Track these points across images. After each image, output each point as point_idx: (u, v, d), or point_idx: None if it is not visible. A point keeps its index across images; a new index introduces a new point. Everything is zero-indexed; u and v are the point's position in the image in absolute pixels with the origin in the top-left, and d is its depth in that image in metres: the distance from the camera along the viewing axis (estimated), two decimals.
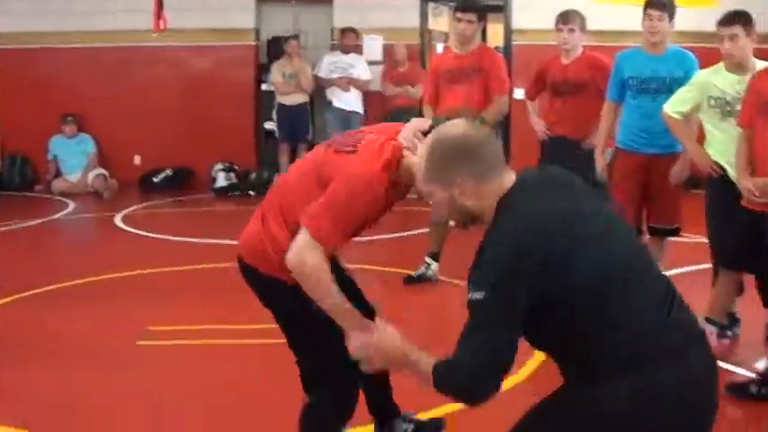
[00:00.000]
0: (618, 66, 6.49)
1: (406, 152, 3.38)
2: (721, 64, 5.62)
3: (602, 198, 3.07)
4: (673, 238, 6.62)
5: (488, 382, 2.71)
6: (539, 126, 7.53)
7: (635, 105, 6.38)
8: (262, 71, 13.27)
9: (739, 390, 4.95)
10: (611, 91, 6.56)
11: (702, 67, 6.00)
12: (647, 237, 6.59)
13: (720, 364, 5.41)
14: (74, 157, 12.72)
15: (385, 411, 4.15)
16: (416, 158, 3.09)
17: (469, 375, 2.70)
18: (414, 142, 3.36)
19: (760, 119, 5.03)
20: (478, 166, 2.87)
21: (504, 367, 2.72)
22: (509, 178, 2.90)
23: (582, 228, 2.78)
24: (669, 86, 6.13)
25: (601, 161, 6.63)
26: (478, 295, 2.68)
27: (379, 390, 4.07)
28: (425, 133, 3.23)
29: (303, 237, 3.32)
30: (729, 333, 5.89)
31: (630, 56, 6.46)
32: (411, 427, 4.14)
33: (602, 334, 2.71)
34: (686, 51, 6.38)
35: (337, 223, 3.33)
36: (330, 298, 3.36)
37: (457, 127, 2.98)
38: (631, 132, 6.40)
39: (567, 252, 2.70)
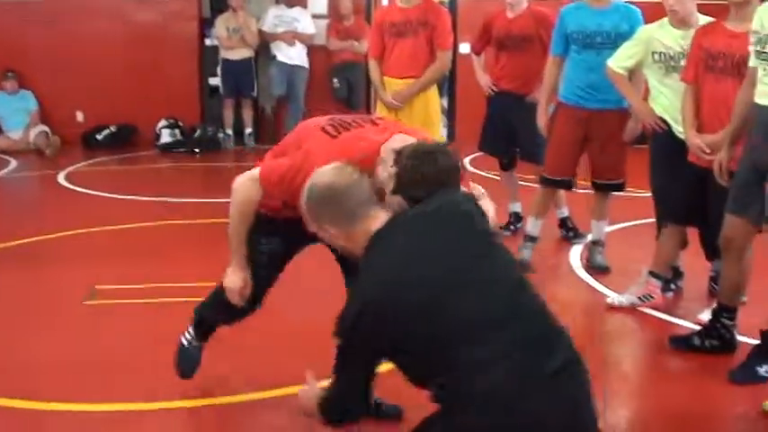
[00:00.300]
0: (562, 20, 6.47)
1: (379, 163, 3.46)
2: (665, 19, 5.64)
3: (485, 234, 3.14)
4: (618, 193, 6.67)
5: (346, 418, 3.25)
6: (484, 81, 7.55)
7: (579, 60, 6.38)
8: (205, 25, 13.12)
9: (683, 342, 5.04)
10: (555, 45, 6.54)
11: (646, 22, 6.03)
12: (592, 192, 6.65)
13: (664, 316, 5.56)
14: (15, 114, 12.48)
15: None
16: (381, 173, 3.29)
17: (334, 417, 3.24)
18: (387, 158, 3.42)
19: (706, 75, 5.07)
20: (341, 214, 3.11)
21: (357, 406, 3.17)
22: (378, 221, 3.08)
23: (443, 275, 2.91)
24: (614, 41, 6.14)
25: (544, 118, 6.63)
26: (337, 340, 3.00)
27: None
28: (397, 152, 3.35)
29: (254, 171, 3.80)
30: (673, 286, 5.98)
31: (574, 10, 6.45)
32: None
33: (471, 376, 2.82)
34: (631, 6, 6.39)
35: (280, 185, 3.68)
36: (233, 225, 4.00)
37: (325, 174, 3.19)
38: (575, 87, 6.40)
39: (422, 303, 2.86)
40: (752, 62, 4.59)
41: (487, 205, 3.45)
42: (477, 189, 3.63)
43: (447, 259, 2.95)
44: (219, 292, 4.19)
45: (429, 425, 2.99)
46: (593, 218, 6.69)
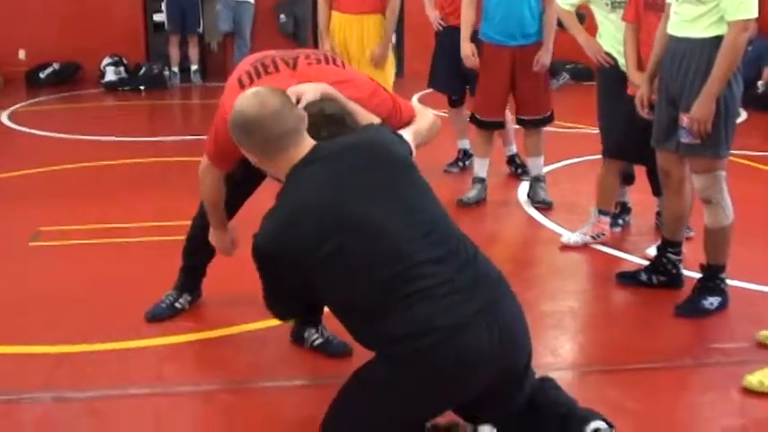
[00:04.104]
0: None
1: None
2: None
3: (405, 165, 3.13)
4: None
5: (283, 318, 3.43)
6: (433, 17, 7.49)
7: None
8: None
9: (630, 278, 5.09)
10: None
11: None
12: (519, 128, 6.67)
13: (613, 252, 5.61)
14: None
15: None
16: None
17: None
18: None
19: (647, 13, 5.09)
20: (257, 144, 3.07)
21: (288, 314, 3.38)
22: (298, 152, 3.04)
23: (357, 215, 2.91)
24: None
25: (467, 47, 6.54)
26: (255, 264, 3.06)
27: None
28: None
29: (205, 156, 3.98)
30: (621, 222, 6.03)
31: None
32: (318, 337, 4.19)
33: (390, 318, 2.85)
34: None
35: (220, 152, 3.82)
36: (207, 206, 4.18)
37: (244, 100, 3.10)
38: (496, 24, 6.38)
39: (332, 241, 2.87)
40: None
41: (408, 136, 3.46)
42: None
43: (364, 200, 2.94)
44: (188, 236, 4.56)
45: (370, 367, 3.01)
46: (529, 155, 6.72)
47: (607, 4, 5.60)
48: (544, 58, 6.36)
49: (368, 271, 2.85)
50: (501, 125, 6.75)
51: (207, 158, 3.96)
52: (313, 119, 3.21)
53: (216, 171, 3.97)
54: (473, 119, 6.68)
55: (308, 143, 3.07)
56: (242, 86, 3.60)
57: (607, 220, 5.71)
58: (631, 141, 5.33)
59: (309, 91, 3.38)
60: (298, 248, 2.90)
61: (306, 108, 3.27)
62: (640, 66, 5.12)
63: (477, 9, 6.59)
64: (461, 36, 6.61)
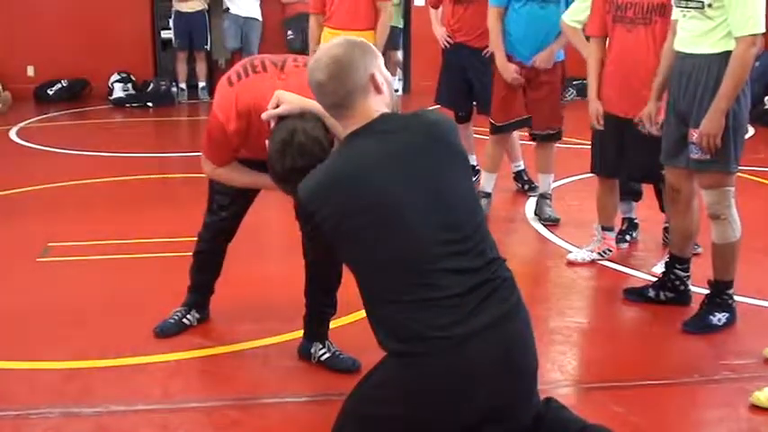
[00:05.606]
0: None
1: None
2: None
3: (451, 154, 3.05)
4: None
5: None
6: (440, 33, 7.51)
7: (523, 13, 6.36)
8: None
9: (638, 294, 5.08)
10: None
11: None
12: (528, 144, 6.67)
13: (620, 267, 5.59)
14: None
15: (309, 331, 4.25)
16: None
17: None
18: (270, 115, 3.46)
19: (616, 27, 5.15)
20: (322, 104, 3.08)
21: None
22: (355, 121, 3.00)
23: (389, 204, 2.86)
24: None
25: (510, 69, 6.41)
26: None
27: (313, 312, 4.22)
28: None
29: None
30: (628, 238, 6.03)
31: None
32: (326, 352, 4.20)
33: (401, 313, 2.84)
34: None
35: (216, 152, 3.99)
36: (232, 183, 4.11)
37: (312, 62, 3.06)
38: (517, 41, 6.41)
39: (356, 218, 2.87)
40: (673, 14, 4.65)
41: None
42: None
43: (398, 190, 2.88)
44: (195, 252, 4.53)
45: (379, 366, 2.99)
46: (539, 171, 6.73)
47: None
48: (546, 61, 6.37)
49: (386, 264, 2.84)
50: (524, 122, 6.63)
51: (204, 155, 4.07)
52: (279, 145, 3.29)
53: (212, 164, 4.07)
54: (491, 127, 6.68)
55: (366, 112, 3.00)
56: (230, 84, 3.83)
57: (612, 235, 5.72)
58: (605, 155, 5.43)
59: (294, 102, 3.42)
60: (330, 209, 2.90)
61: (280, 126, 3.36)
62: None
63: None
64: (500, 60, 6.44)
